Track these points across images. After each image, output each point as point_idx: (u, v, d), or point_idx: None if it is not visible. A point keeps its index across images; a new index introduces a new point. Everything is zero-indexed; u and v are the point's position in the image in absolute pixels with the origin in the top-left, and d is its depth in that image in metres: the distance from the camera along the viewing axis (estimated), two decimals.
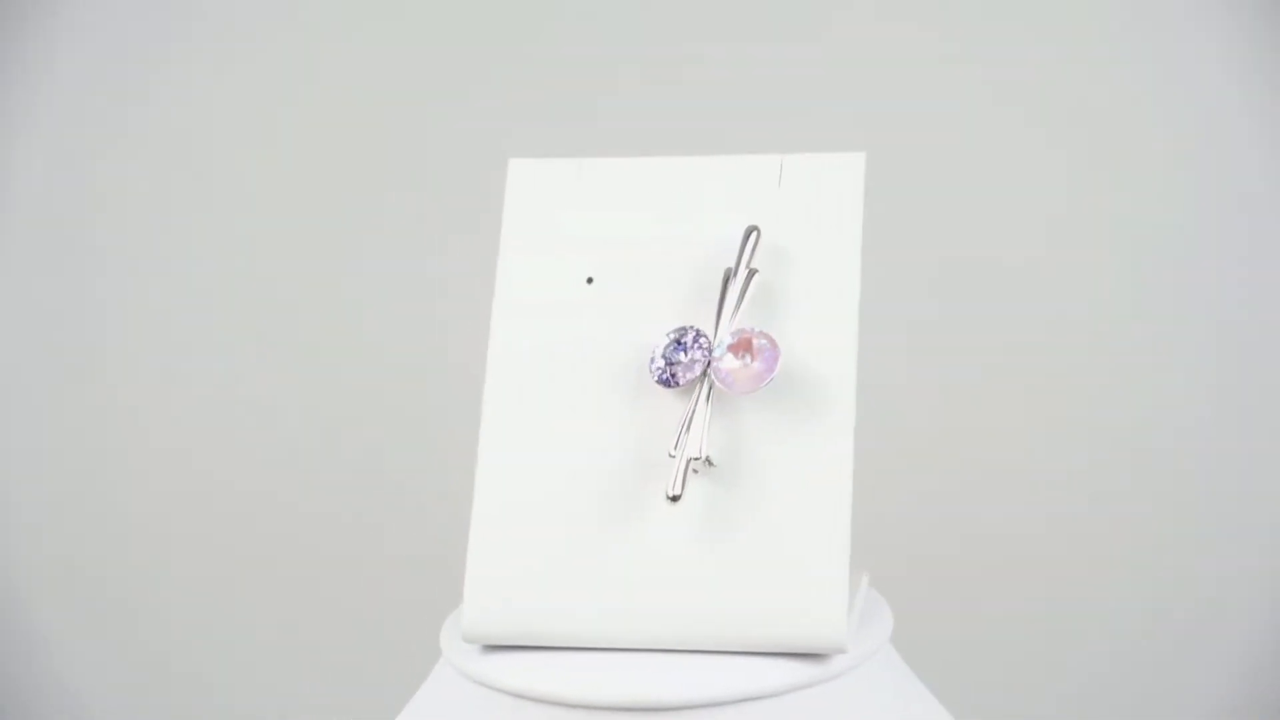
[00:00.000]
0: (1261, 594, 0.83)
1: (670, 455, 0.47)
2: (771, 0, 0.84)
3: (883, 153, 0.82)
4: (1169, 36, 0.82)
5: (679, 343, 0.48)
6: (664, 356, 0.48)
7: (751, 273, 0.49)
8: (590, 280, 0.51)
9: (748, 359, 0.48)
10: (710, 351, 0.48)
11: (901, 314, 0.81)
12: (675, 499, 0.47)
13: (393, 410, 0.88)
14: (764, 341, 0.48)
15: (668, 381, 0.48)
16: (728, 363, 0.48)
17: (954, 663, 0.78)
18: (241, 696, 0.90)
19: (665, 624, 0.46)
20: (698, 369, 0.48)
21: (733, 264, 0.49)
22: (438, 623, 0.51)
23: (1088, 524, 0.84)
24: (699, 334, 0.48)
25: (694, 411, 0.47)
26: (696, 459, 0.47)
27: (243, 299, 0.88)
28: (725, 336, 0.48)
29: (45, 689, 0.90)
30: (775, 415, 0.48)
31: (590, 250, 0.51)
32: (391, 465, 0.88)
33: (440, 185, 0.86)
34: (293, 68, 0.86)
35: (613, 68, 0.84)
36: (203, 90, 0.87)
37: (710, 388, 0.48)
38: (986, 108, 0.83)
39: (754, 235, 0.49)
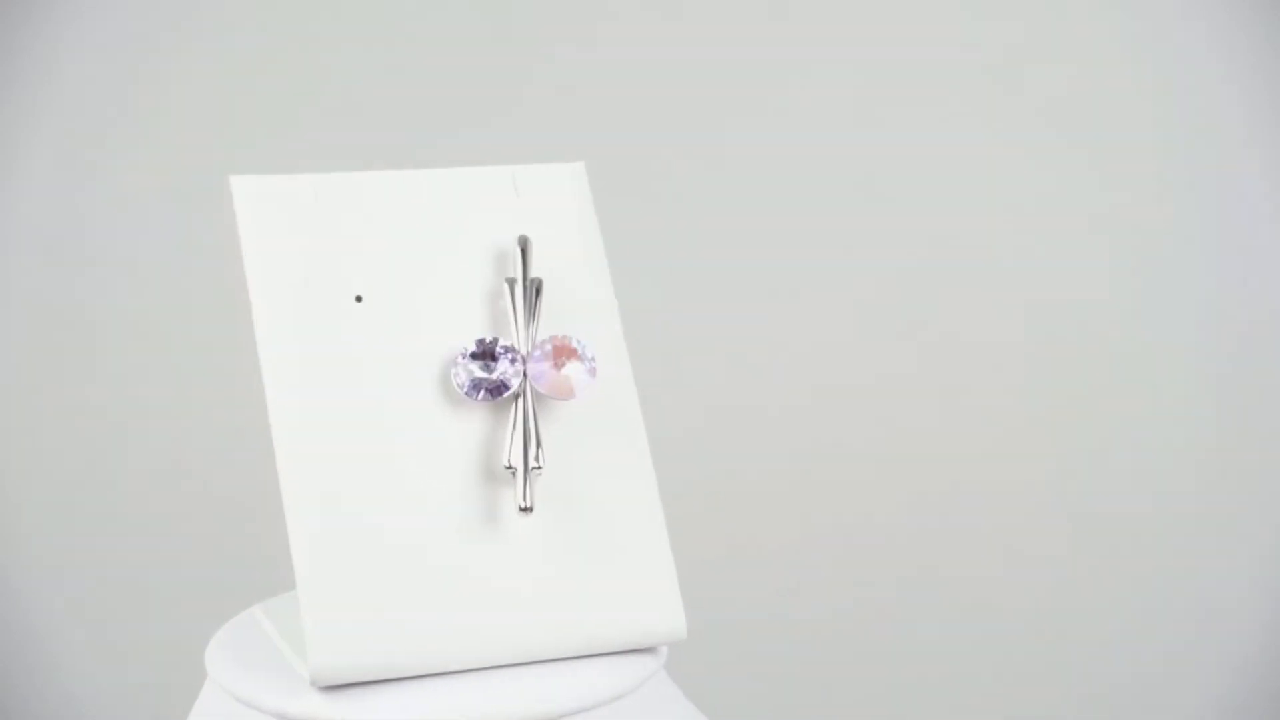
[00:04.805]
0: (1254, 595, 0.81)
1: (507, 468, 0.47)
2: None
3: (879, 151, 0.81)
4: (1167, 35, 0.81)
5: (489, 354, 0.48)
6: (477, 367, 0.48)
7: (537, 282, 0.49)
8: (359, 299, 0.49)
9: (568, 365, 0.48)
10: (524, 361, 0.48)
11: (883, 312, 0.80)
12: (528, 510, 0.46)
13: None
14: (581, 347, 0.48)
15: (494, 391, 0.48)
16: (550, 369, 0.48)
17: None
18: None
19: (509, 640, 0.45)
20: (518, 378, 0.48)
21: (507, 273, 0.49)
22: None
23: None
24: (506, 346, 0.48)
25: (523, 421, 0.47)
26: (537, 468, 0.46)
27: (243, 300, 0.88)
28: (534, 346, 0.48)
29: (45, 689, 0.92)
30: (574, 424, 0.48)
31: (352, 268, 0.49)
32: None
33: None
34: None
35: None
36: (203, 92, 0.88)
37: (530, 396, 0.47)
38: (980, 107, 0.82)
39: (529, 245, 0.49)
